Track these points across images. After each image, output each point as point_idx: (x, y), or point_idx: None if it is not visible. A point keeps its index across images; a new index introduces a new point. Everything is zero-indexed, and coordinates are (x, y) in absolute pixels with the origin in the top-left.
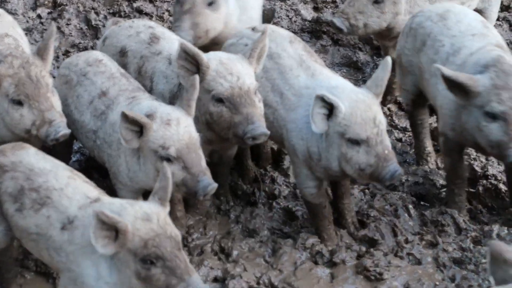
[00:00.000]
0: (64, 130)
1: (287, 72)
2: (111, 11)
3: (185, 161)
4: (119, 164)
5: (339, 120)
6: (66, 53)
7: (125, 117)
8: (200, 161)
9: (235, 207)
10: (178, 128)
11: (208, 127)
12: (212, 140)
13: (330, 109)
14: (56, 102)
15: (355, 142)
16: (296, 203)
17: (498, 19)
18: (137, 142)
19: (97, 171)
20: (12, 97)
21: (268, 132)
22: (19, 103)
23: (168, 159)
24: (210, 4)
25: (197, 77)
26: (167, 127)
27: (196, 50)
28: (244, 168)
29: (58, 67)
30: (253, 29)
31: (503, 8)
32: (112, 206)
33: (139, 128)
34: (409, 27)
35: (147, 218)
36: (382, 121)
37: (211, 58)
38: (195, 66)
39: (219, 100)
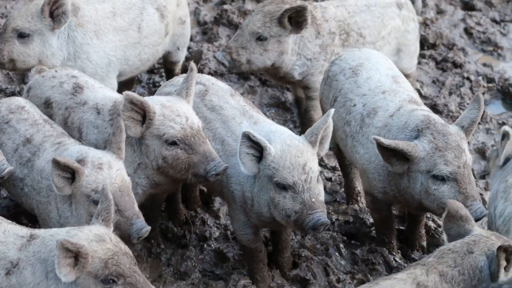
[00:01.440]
0: (8, 167)
1: (230, 121)
2: None
3: (118, 204)
4: (50, 210)
5: (269, 162)
6: None
7: (56, 163)
8: (133, 204)
9: (166, 249)
10: (110, 172)
11: (160, 172)
12: (160, 184)
13: (261, 151)
14: None
15: (282, 187)
16: (227, 244)
17: (424, 57)
18: (69, 188)
19: (26, 217)
20: None
21: (228, 166)
22: None
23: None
24: (21, 36)
25: (120, 119)
26: (99, 171)
27: (142, 98)
28: (174, 211)
29: None
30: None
31: (429, 46)
32: (62, 236)
33: (70, 174)
34: (327, 74)
35: (101, 239)
36: (314, 169)
37: (152, 103)
38: (141, 115)
39: (173, 143)
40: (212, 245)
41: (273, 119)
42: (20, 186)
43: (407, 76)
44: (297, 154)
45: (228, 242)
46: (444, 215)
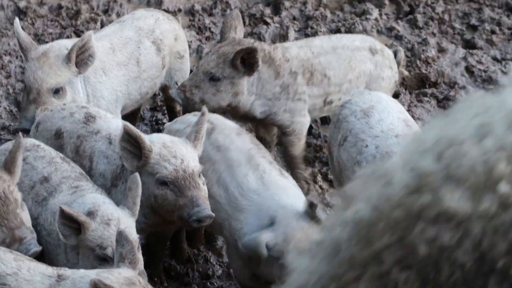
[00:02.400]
0: (35, 248)
1: (235, 168)
2: None
3: None
4: (58, 253)
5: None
6: None
7: (62, 213)
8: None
9: (169, 287)
10: (117, 229)
11: (153, 211)
12: (156, 223)
13: None
14: (25, 217)
15: None
16: (229, 282)
17: (425, 95)
18: (75, 239)
19: None
20: None
21: (213, 215)
22: None
23: (105, 259)
24: (56, 92)
25: (137, 175)
26: (106, 227)
27: (138, 133)
28: (177, 249)
29: None
30: None
31: (431, 84)
32: (92, 278)
33: (77, 225)
34: (337, 118)
35: (131, 283)
36: None
37: (154, 141)
38: (138, 149)
39: (164, 183)
40: (215, 283)
41: (274, 157)
42: (33, 225)
43: None
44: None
45: (231, 280)
46: None
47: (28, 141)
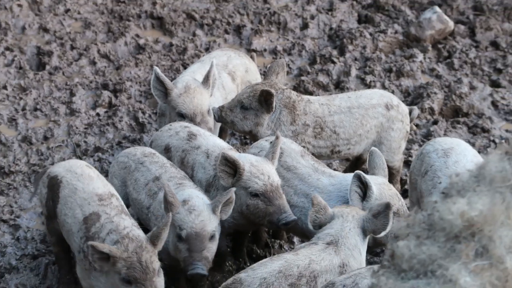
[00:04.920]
0: None
1: (307, 178)
2: (154, 111)
3: (190, 245)
4: None
5: (373, 200)
6: (119, 144)
7: (164, 195)
8: (201, 251)
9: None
10: (196, 218)
11: (242, 215)
12: (243, 224)
13: (364, 191)
14: (160, 283)
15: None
16: None
17: (458, 123)
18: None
19: None
20: (122, 276)
21: (296, 218)
22: (128, 282)
23: (180, 238)
24: (207, 112)
25: (233, 190)
26: (188, 214)
27: (235, 157)
28: (258, 236)
29: (113, 154)
30: (271, 142)
31: (463, 114)
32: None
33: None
34: (421, 152)
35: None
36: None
37: (243, 161)
38: (233, 169)
39: (255, 195)
40: None
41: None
42: (145, 213)
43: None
44: (389, 187)
45: None
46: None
47: (147, 149)
